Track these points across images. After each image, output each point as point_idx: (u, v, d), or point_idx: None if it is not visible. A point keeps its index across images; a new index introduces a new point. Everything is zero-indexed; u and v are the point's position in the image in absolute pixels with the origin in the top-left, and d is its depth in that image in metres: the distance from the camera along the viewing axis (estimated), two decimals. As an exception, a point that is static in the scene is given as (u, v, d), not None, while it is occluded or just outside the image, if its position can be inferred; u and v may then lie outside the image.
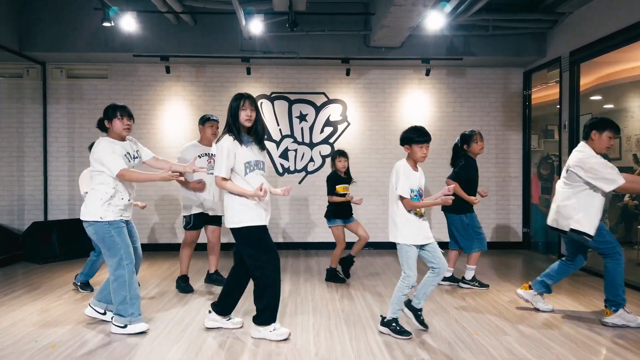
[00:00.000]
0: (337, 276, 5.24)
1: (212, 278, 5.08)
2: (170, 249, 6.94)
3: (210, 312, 3.68)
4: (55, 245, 6.39)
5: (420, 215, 3.54)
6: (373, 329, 3.70)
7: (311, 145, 7.30)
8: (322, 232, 7.17)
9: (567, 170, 3.91)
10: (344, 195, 5.08)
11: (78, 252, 6.49)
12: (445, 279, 5.04)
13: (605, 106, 7.08)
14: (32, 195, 7.09)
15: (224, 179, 3.36)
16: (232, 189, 3.38)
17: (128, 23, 5.83)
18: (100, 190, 3.56)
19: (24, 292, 4.78)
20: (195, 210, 4.79)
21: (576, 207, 3.81)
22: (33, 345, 3.34)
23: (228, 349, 3.30)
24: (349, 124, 7.33)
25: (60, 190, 7.10)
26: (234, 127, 3.38)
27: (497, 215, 7.44)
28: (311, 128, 7.30)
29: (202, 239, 4.99)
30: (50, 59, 6.91)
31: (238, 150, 3.36)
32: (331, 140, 7.32)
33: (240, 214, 3.38)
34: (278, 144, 7.29)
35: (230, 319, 3.70)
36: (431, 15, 5.48)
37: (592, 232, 3.75)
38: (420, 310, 3.61)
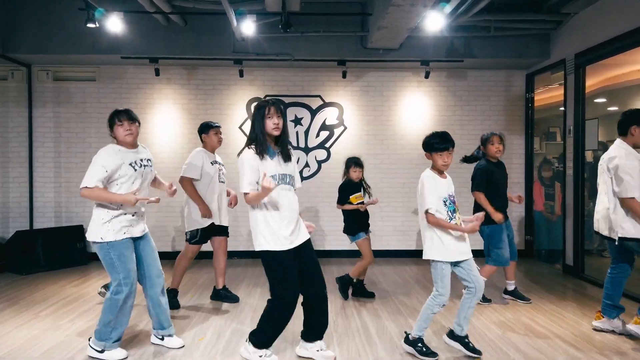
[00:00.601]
0: (365, 290, 4.93)
1: (220, 294, 4.76)
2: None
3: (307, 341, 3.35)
4: (40, 255, 6.14)
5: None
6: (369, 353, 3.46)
7: (306, 150, 7.06)
8: (319, 240, 6.94)
9: (611, 174, 3.66)
10: (360, 203, 4.79)
11: (64, 262, 6.28)
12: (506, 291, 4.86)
13: (609, 108, 6.86)
14: (17, 202, 6.83)
15: (247, 194, 3.05)
16: (252, 200, 3.04)
17: (114, 24, 5.59)
18: (100, 207, 3.34)
19: (4, 307, 4.54)
20: (205, 224, 4.50)
21: (626, 214, 3.58)
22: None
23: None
24: (345, 128, 7.09)
25: (46, 197, 6.85)
26: (260, 138, 3.05)
27: (499, 222, 7.18)
28: (306, 132, 7.06)
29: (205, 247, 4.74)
30: (35, 61, 6.66)
31: (262, 163, 3.04)
32: (327, 145, 7.08)
33: (262, 237, 3.08)
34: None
35: (319, 349, 3.31)
36: (431, 16, 5.24)
37: None
38: (467, 337, 3.38)
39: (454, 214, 3.29)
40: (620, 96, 6.59)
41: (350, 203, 4.79)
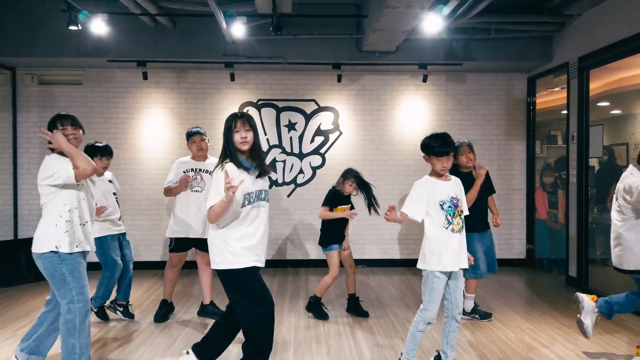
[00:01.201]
0: (322, 309, 4.57)
1: (206, 310, 4.50)
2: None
3: (188, 352, 3.08)
4: (23, 266, 5.92)
5: (459, 230, 3.09)
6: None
7: (301, 155, 6.83)
8: (314, 249, 6.70)
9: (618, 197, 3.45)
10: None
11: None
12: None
13: (613, 112, 6.65)
14: (0, 210, 6.60)
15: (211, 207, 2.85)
16: (215, 211, 2.78)
17: (98, 26, 5.36)
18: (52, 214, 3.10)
19: (-22, 325, 4.33)
20: (179, 235, 4.39)
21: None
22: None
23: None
24: (341, 133, 6.86)
25: (31, 205, 6.61)
26: (228, 151, 2.89)
27: (500, 230, 6.92)
28: (301, 137, 6.83)
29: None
30: (20, 64, 6.43)
31: (241, 178, 2.82)
32: (322, 151, 6.85)
33: (220, 253, 2.88)
34: (265, 154, 6.80)
35: None
36: (428, 17, 5.00)
37: None
38: None
39: (454, 219, 3.07)
40: (624, 100, 6.38)
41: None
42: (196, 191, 4.40)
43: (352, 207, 4.57)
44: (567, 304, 5.04)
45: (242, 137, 2.86)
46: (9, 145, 6.57)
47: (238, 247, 2.84)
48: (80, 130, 3.20)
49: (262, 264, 2.93)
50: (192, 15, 5.84)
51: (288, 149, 6.82)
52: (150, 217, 6.70)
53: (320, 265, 6.64)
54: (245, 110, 6.78)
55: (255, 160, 2.93)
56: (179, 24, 6.07)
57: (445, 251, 3.05)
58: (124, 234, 4.54)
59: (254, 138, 2.91)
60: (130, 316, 4.49)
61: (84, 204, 3.16)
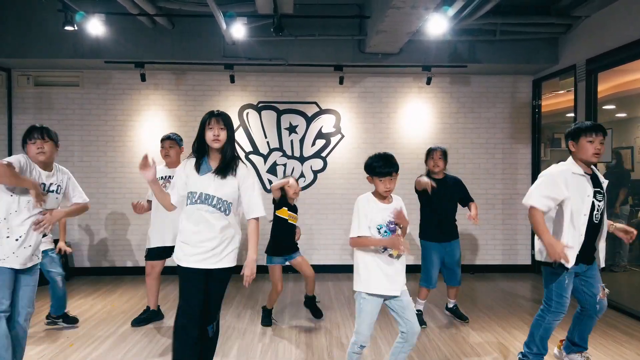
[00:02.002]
0: (271, 318, 4.50)
1: None
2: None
3: None
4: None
5: (397, 256, 2.86)
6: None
7: (302, 159, 6.70)
8: (315, 254, 6.58)
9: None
10: (289, 221, 4.36)
11: (42, 279, 5.91)
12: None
13: (618, 115, 6.53)
14: (-4, 214, 6.49)
15: (172, 205, 3.00)
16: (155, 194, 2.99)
17: (95, 27, 5.24)
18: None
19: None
20: (155, 244, 4.36)
21: None
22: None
23: None
24: (342, 136, 6.73)
25: (27, 208, 6.49)
26: (196, 147, 2.93)
27: (504, 236, 6.84)
28: (302, 140, 6.70)
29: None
30: (15, 65, 6.31)
31: (191, 175, 2.90)
32: (323, 154, 6.72)
33: (177, 250, 2.97)
34: (265, 157, 6.69)
35: None
36: (433, 19, 4.89)
37: None
38: None
39: (389, 251, 2.85)
40: (631, 103, 6.26)
41: (281, 217, 4.40)
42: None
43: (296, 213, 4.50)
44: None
45: (214, 135, 2.84)
46: (4, 148, 6.45)
47: (180, 244, 2.93)
48: (51, 142, 3.09)
49: (196, 266, 2.86)
50: (192, 16, 5.72)
51: (289, 152, 6.69)
52: (148, 221, 6.56)
53: (325, 270, 6.52)
54: (245, 113, 6.66)
55: (223, 160, 2.88)
56: (178, 25, 5.95)
57: (377, 275, 2.85)
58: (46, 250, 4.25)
59: (227, 137, 2.87)
60: (74, 321, 4.40)
61: (14, 216, 2.96)
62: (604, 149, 3.24)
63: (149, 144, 6.57)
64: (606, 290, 3.32)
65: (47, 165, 3.12)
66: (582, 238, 3.14)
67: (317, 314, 4.59)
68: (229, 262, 2.91)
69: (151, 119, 6.58)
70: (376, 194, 2.96)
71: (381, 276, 2.84)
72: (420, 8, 4.50)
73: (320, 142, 6.72)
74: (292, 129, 6.69)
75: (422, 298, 4.49)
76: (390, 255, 2.85)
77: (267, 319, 4.46)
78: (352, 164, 6.69)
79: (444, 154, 4.39)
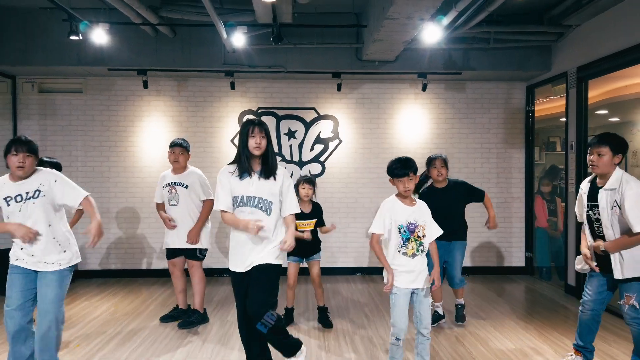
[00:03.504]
0: (292, 317, 4.71)
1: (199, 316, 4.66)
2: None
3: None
4: None
5: (412, 255, 3.15)
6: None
7: (300, 164, 6.84)
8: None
9: None
10: (299, 228, 4.37)
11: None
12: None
13: (611, 119, 6.68)
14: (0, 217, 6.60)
15: (223, 211, 3.12)
16: (227, 221, 3.12)
17: (99, 36, 5.37)
18: None
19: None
20: (167, 245, 4.62)
21: None
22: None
23: None
24: (340, 141, 6.88)
25: (31, 212, 6.61)
26: (243, 156, 3.10)
27: (499, 238, 6.99)
28: (300, 145, 6.85)
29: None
30: (20, 72, 6.45)
31: (233, 181, 3.10)
32: (322, 159, 6.87)
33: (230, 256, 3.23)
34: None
35: None
36: (428, 28, 5.03)
37: None
38: None
39: (408, 243, 3.14)
40: (623, 108, 6.41)
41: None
42: (172, 205, 4.52)
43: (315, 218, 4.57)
44: (567, 314, 5.06)
45: (256, 143, 3.04)
46: (9, 153, 6.58)
47: (233, 251, 3.17)
48: (33, 158, 3.14)
49: (241, 269, 3.10)
50: (193, 25, 5.86)
51: (288, 157, 6.83)
52: (149, 224, 6.70)
53: (327, 273, 6.63)
54: (245, 119, 6.80)
55: (264, 165, 3.10)
56: (180, 33, 6.10)
57: (397, 271, 3.15)
58: None
59: (267, 145, 3.08)
60: None
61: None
62: (604, 160, 3.21)
63: (151, 150, 6.72)
64: (634, 301, 3.16)
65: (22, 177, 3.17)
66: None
67: (326, 323, 4.64)
68: (269, 257, 3.09)
69: (153, 125, 6.72)
70: (399, 195, 3.25)
71: (401, 273, 3.15)
72: (415, 19, 4.66)
73: (319, 147, 6.87)
74: (291, 134, 6.84)
75: (437, 300, 4.62)
76: (404, 254, 3.15)
77: (286, 318, 4.62)
78: (350, 168, 6.84)
79: (445, 162, 4.49)
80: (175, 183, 4.50)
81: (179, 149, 4.50)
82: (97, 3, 5.58)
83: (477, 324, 4.71)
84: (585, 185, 3.43)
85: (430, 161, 4.51)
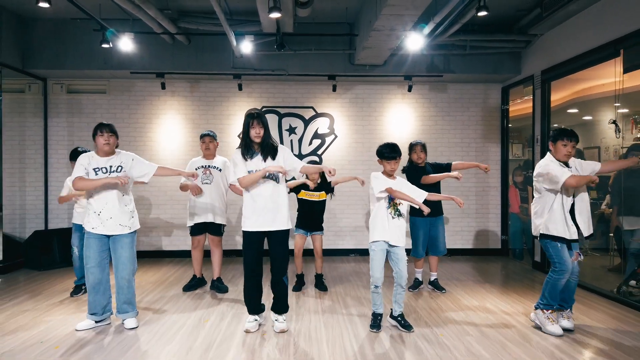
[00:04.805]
0: (301, 285, 5.49)
1: (213, 284, 5.40)
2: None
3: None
4: (56, 253, 6.71)
5: (392, 216, 3.93)
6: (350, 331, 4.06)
7: (300, 157, 7.64)
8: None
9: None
10: (306, 198, 5.34)
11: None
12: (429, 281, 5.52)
13: (585, 117, 7.45)
14: (33, 204, 7.41)
15: (241, 178, 3.86)
16: (247, 182, 3.85)
17: (125, 44, 6.18)
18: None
19: (27, 298, 5.10)
20: (195, 220, 5.25)
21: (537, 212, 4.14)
22: (38, 346, 3.68)
23: (217, 347, 3.65)
24: (336, 136, 7.69)
25: (60, 200, 7.42)
26: (247, 143, 3.90)
27: (477, 223, 7.80)
28: (300, 140, 7.66)
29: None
30: (51, 75, 7.26)
31: (246, 161, 3.88)
32: (319, 152, 7.68)
33: (243, 217, 3.97)
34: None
35: (276, 320, 4.10)
36: (411, 36, 5.84)
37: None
38: (400, 315, 4.07)
39: (389, 210, 3.93)
40: (591, 107, 7.19)
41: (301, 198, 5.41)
42: (206, 183, 5.26)
43: (324, 190, 5.45)
44: (529, 283, 5.87)
45: (256, 133, 3.86)
46: (40, 147, 7.39)
47: (246, 213, 3.95)
48: (114, 137, 4.05)
49: (264, 229, 3.90)
50: (206, 34, 6.69)
51: (289, 151, 7.64)
52: (165, 211, 7.51)
53: (330, 254, 7.44)
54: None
55: (263, 149, 3.90)
56: (194, 41, 6.92)
57: (381, 228, 3.93)
58: None
59: (265, 134, 3.89)
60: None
61: (97, 195, 4.01)
62: (574, 151, 3.97)
63: (167, 144, 7.53)
64: (581, 257, 3.99)
65: (107, 153, 4.07)
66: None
67: (322, 287, 5.47)
68: (283, 223, 3.91)
69: (169, 122, 7.54)
70: (384, 172, 4.05)
71: (381, 228, 3.92)
72: (398, 30, 5.48)
73: (317, 142, 7.68)
74: (291, 130, 7.65)
75: (419, 267, 5.44)
76: (390, 213, 3.93)
77: (297, 286, 5.43)
78: (344, 160, 7.65)
79: (424, 147, 5.30)
80: (209, 166, 5.28)
81: (209, 138, 5.31)
82: (124, 14, 6.39)
83: (451, 289, 5.51)
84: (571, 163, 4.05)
85: (412, 147, 5.31)
